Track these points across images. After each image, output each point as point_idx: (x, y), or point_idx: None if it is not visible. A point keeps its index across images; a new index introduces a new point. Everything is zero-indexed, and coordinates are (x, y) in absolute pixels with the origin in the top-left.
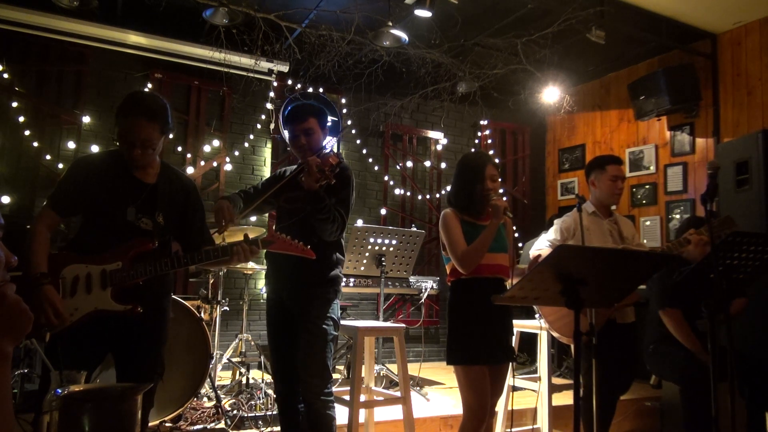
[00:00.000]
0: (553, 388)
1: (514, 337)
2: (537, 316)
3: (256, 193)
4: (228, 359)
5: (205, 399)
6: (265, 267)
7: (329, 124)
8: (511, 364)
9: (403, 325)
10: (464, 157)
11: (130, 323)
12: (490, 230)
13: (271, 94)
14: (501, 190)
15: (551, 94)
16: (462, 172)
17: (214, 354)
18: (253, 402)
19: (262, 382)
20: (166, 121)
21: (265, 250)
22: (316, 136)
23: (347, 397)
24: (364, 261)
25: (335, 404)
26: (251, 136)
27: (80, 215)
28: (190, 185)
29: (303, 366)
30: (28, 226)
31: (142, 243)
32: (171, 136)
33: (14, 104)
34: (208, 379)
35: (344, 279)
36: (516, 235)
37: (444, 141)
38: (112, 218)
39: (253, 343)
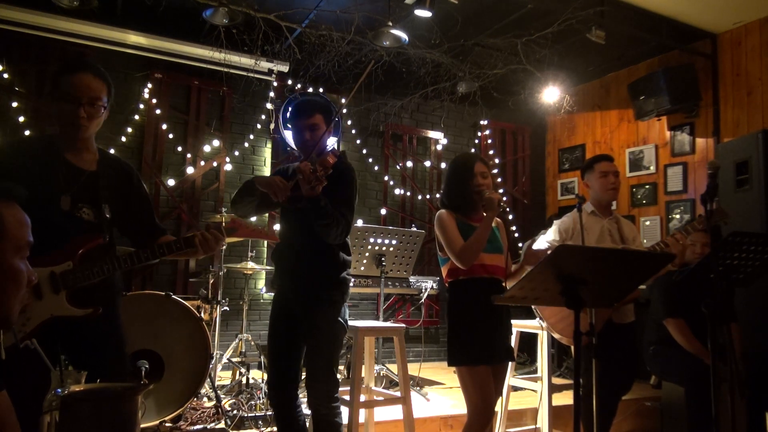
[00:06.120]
0: (553, 388)
1: (513, 337)
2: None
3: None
4: (228, 359)
5: (205, 399)
6: (265, 267)
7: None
8: (510, 363)
9: (403, 325)
10: (454, 159)
11: (84, 329)
12: (486, 224)
13: (271, 94)
14: (501, 190)
15: (551, 94)
16: (452, 172)
17: (214, 354)
18: (253, 402)
19: (262, 382)
20: (110, 84)
21: (268, 251)
22: (321, 132)
23: (347, 397)
24: (364, 261)
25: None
26: (251, 136)
27: None
28: (132, 170)
29: (309, 372)
30: None
31: (90, 239)
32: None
33: (14, 104)
34: (208, 379)
35: None
36: (516, 235)
37: (444, 141)
38: (45, 209)
39: (253, 343)
